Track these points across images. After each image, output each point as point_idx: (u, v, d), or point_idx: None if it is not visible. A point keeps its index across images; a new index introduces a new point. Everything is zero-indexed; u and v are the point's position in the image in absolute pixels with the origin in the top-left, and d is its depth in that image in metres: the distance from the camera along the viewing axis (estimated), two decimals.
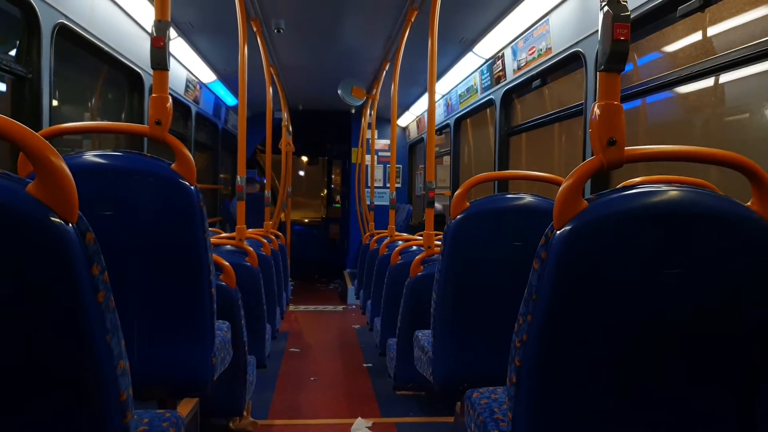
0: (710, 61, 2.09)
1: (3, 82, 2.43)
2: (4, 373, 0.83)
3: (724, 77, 2.16)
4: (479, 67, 4.42)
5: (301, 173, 11.91)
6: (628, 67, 2.64)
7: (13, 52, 2.41)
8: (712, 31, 2.20)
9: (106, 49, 3.05)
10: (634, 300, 1.07)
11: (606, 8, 1.09)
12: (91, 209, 0.94)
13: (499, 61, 3.99)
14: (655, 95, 2.57)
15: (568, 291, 1.06)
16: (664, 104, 2.69)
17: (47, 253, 0.80)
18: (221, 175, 6.74)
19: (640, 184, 1.10)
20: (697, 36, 2.29)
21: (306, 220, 10.34)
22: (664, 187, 1.08)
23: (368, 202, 6.36)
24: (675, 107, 2.66)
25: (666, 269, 1.05)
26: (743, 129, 2.24)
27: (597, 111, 1.10)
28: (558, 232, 1.05)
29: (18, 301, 0.81)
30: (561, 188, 1.07)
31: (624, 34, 1.07)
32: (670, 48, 2.50)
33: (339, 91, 5.61)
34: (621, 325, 1.09)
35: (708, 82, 2.25)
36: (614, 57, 1.09)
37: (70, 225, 0.81)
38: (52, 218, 0.79)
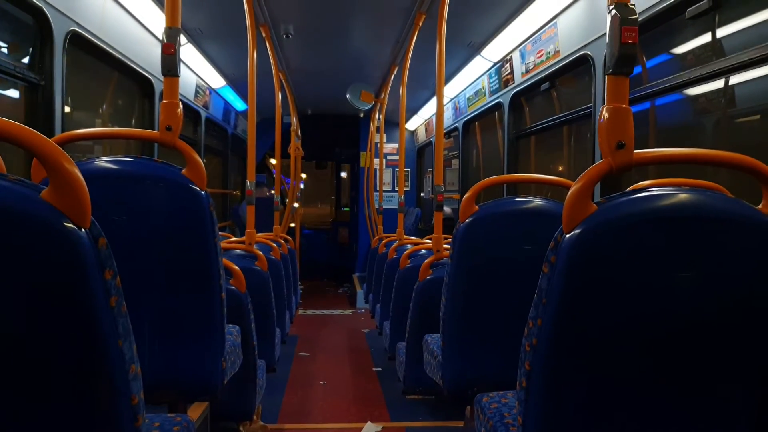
0: (720, 62, 2.07)
1: (16, 89, 2.46)
2: (17, 375, 0.85)
3: (735, 78, 2.14)
4: (487, 71, 4.42)
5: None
6: (637, 69, 2.64)
7: (26, 60, 2.44)
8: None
9: (117, 55, 3.08)
10: (644, 304, 1.06)
11: (614, 12, 1.08)
12: (103, 214, 0.95)
13: (508, 64, 3.99)
14: (665, 97, 2.55)
15: (578, 295, 1.06)
16: (673, 106, 2.68)
17: (61, 258, 0.81)
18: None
19: (650, 187, 1.09)
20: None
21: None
22: (673, 190, 1.07)
23: (377, 206, 6.37)
24: (684, 109, 2.64)
25: (676, 272, 1.05)
26: (755, 131, 2.22)
27: (605, 114, 1.10)
28: (567, 235, 1.05)
29: (31, 306, 0.82)
30: (570, 191, 1.07)
31: (632, 38, 1.07)
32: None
33: (347, 96, 5.62)
34: (631, 328, 1.08)
35: (718, 84, 2.24)
36: (622, 60, 1.09)
37: (83, 230, 0.82)
38: (66, 224, 0.80)
